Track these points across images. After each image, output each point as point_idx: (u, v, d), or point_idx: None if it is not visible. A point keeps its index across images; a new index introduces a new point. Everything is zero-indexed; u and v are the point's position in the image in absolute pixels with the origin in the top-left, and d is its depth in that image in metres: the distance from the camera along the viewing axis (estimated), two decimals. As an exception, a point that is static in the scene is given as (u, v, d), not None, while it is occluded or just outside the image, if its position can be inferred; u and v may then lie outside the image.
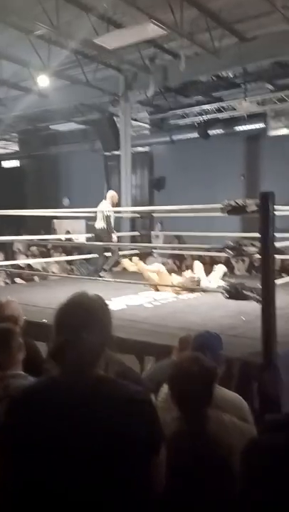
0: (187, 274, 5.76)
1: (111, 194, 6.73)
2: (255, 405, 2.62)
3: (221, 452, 1.57)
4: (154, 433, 1.24)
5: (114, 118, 10.71)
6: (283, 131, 10.12)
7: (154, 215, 10.85)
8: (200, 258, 10.46)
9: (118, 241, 7.20)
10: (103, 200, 6.65)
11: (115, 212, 6.87)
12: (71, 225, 12.86)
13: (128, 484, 1.20)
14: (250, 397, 2.62)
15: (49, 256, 10.07)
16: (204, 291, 5.13)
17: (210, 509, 1.54)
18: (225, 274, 5.80)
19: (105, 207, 6.49)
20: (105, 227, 6.38)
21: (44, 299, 4.72)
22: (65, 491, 1.18)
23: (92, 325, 1.29)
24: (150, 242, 10.45)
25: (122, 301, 4.88)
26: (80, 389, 1.24)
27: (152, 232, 11.02)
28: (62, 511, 1.19)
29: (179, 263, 10.26)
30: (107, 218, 6.37)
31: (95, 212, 6.57)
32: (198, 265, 5.85)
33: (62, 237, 11.19)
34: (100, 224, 6.47)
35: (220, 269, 5.79)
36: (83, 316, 1.30)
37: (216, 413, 1.69)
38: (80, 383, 1.24)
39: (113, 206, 6.68)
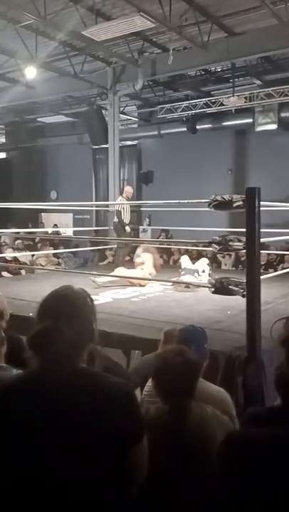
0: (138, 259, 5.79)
1: (126, 189, 7.00)
2: (240, 399, 2.66)
3: (203, 444, 1.59)
4: (134, 424, 1.26)
5: (103, 111, 10.65)
6: (271, 127, 10.16)
7: (142, 209, 10.85)
8: (187, 252, 10.52)
9: (105, 235, 7.26)
10: (120, 196, 6.91)
11: (132, 206, 7.20)
12: (58, 219, 12.80)
13: (109, 475, 1.22)
14: (234, 390, 2.65)
15: (36, 249, 10.01)
16: (189, 285, 5.16)
17: (191, 500, 1.57)
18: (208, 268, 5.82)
19: (118, 201, 6.80)
20: (118, 221, 6.70)
21: (31, 293, 4.71)
22: (45, 483, 1.20)
23: (75, 318, 1.29)
24: (138, 236, 10.47)
25: (108, 295, 4.89)
26: (60, 382, 1.24)
27: (140, 227, 11.04)
28: (44, 502, 1.20)
29: (167, 257, 10.29)
30: (118, 213, 6.55)
31: (83, 205, 6.68)
32: (184, 259, 5.88)
33: (50, 230, 11.14)
34: (115, 218, 6.82)
35: (202, 262, 5.81)
36: (65, 308, 1.31)
37: (200, 405, 1.72)
38: (60, 376, 1.25)
39: (128, 200, 6.91)
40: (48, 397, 1.23)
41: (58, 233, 10.35)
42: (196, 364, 1.76)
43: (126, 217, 6.76)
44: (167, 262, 10.05)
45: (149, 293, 5.16)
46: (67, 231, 11.33)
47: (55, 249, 9.88)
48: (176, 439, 1.62)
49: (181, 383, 1.69)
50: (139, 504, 1.38)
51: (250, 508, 0.92)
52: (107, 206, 8.92)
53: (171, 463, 1.56)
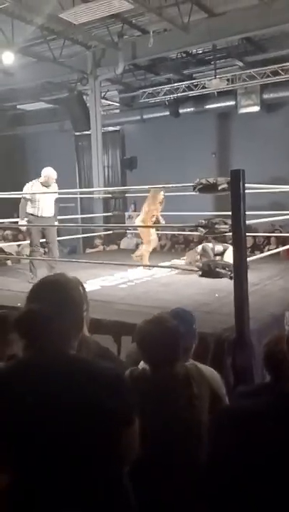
0: None
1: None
2: (230, 379, 2.69)
3: (186, 404, 1.71)
4: (126, 407, 1.27)
5: (84, 97, 10.50)
6: (253, 109, 10.14)
7: (128, 195, 10.79)
8: (173, 237, 10.52)
9: (91, 222, 7.21)
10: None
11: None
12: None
13: (102, 457, 1.23)
14: (224, 371, 2.69)
15: (23, 239, 9.89)
16: (177, 268, 5.18)
17: (177, 463, 1.63)
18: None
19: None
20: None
21: (18, 283, 4.68)
22: (40, 468, 1.20)
23: (65, 304, 1.29)
24: (124, 223, 10.43)
25: (96, 282, 4.89)
26: (51, 368, 1.24)
27: (126, 213, 11.00)
28: (38, 486, 1.21)
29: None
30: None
31: (67, 193, 6.59)
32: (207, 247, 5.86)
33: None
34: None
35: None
36: (56, 294, 1.30)
37: (183, 366, 1.84)
38: (51, 363, 1.25)
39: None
40: (39, 384, 1.23)
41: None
42: (175, 331, 1.85)
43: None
44: (155, 247, 10.06)
45: (136, 279, 5.17)
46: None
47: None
48: (160, 403, 1.72)
49: (163, 350, 1.80)
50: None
51: (243, 472, 0.94)
52: (92, 193, 8.84)
53: (154, 424, 1.62)
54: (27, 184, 5.65)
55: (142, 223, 5.75)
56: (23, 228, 5.95)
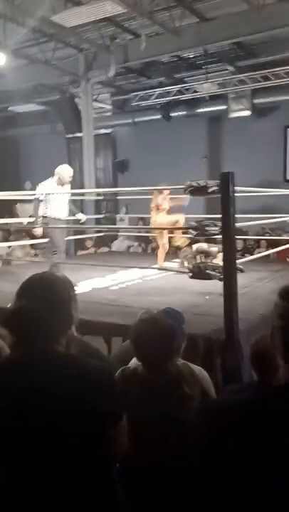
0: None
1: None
2: (219, 379, 2.72)
3: (177, 402, 1.75)
4: (114, 405, 1.28)
5: (76, 99, 10.51)
6: (244, 113, 10.23)
7: (119, 198, 10.81)
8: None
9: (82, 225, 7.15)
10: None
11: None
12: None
13: (90, 455, 1.24)
14: (213, 371, 2.71)
15: (13, 241, 9.86)
16: (167, 270, 5.21)
17: (168, 458, 1.66)
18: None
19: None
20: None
21: (8, 284, 4.66)
22: (26, 466, 1.21)
23: (53, 301, 1.30)
24: (115, 225, 10.44)
25: (88, 284, 4.89)
26: (39, 365, 1.25)
27: (117, 215, 11.01)
28: (24, 485, 1.22)
29: (145, 245, 10.32)
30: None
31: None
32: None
33: (26, 221, 10.98)
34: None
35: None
36: (45, 291, 1.31)
37: (175, 365, 1.87)
38: (39, 360, 1.26)
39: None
40: (27, 380, 1.24)
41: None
42: (170, 332, 1.88)
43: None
44: (145, 250, 10.09)
45: (127, 281, 5.19)
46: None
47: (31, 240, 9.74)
48: (153, 402, 1.76)
49: (158, 349, 1.82)
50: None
51: (230, 467, 0.96)
52: (83, 195, 8.84)
53: (145, 423, 1.64)
54: (40, 184, 5.21)
55: (156, 223, 5.59)
56: (38, 233, 5.23)
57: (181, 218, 5.47)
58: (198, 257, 5.65)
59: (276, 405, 0.96)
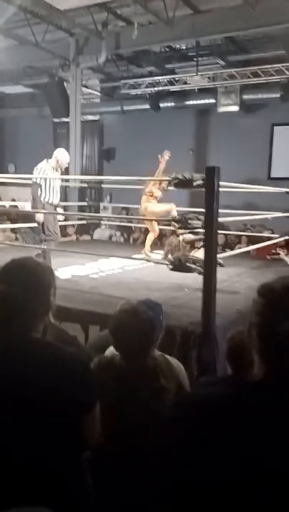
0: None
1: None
2: (193, 371, 2.76)
3: (154, 393, 1.76)
4: (88, 393, 1.29)
5: (64, 83, 10.35)
6: (232, 108, 10.24)
7: (104, 186, 10.75)
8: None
9: (64, 210, 7.07)
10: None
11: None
12: (17, 193, 12.43)
13: (63, 442, 1.25)
14: (189, 363, 2.75)
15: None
16: (149, 261, 5.22)
17: (143, 452, 1.68)
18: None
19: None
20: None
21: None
22: (1, 451, 1.22)
23: (32, 286, 1.30)
24: (98, 213, 10.39)
25: (67, 271, 4.88)
26: (15, 350, 1.25)
27: (101, 204, 10.95)
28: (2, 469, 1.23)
29: (127, 235, 10.31)
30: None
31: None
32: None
33: (7, 204, 10.84)
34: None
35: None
36: (23, 275, 1.31)
37: (153, 358, 1.89)
38: (14, 344, 1.26)
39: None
40: (3, 366, 1.24)
41: (16, 207, 10.09)
42: (150, 323, 1.89)
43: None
44: (127, 240, 10.08)
45: (108, 270, 5.19)
46: (26, 206, 11.05)
47: (13, 224, 9.63)
48: (129, 392, 1.77)
49: (137, 340, 1.83)
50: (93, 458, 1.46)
51: (203, 460, 0.98)
52: (68, 181, 8.75)
53: (121, 413, 1.65)
54: (37, 167, 5.03)
55: (147, 210, 5.56)
56: (40, 219, 4.92)
57: (173, 207, 5.47)
58: (183, 247, 5.63)
59: (249, 400, 0.98)
